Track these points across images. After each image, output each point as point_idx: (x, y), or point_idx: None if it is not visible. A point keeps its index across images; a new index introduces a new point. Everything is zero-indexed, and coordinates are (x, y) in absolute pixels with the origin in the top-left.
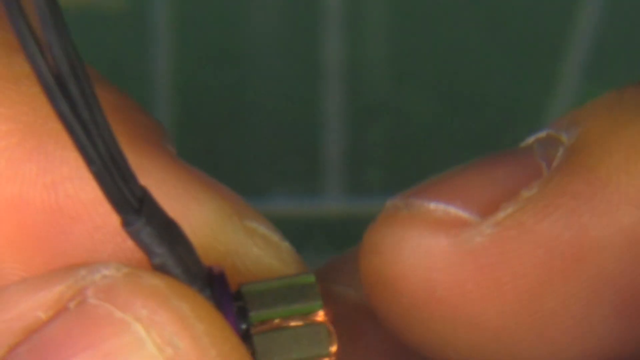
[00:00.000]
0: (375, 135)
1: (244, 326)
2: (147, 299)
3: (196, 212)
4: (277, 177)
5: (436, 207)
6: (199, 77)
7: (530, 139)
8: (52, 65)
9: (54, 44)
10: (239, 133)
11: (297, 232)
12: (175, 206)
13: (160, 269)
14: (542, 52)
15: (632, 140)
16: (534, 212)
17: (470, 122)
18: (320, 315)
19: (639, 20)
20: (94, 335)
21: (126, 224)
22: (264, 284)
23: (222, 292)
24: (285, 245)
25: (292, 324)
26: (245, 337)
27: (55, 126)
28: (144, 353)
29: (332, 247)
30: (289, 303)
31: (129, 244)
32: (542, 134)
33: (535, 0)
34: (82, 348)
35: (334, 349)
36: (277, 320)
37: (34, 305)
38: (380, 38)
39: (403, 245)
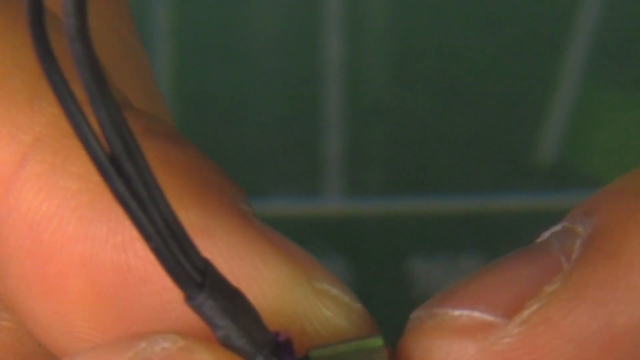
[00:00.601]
0: (375, 135)
1: None
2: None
3: (264, 274)
4: (277, 177)
5: (460, 314)
6: (199, 77)
7: (547, 234)
8: (105, 146)
9: (105, 122)
10: (239, 133)
11: (297, 232)
12: (243, 269)
13: (224, 340)
14: (542, 52)
15: None
16: (559, 307)
17: (470, 122)
18: None
19: (639, 20)
20: None
21: (188, 299)
22: (332, 348)
23: (289, 359)
24: (357, 306)
25: None
26: None
27: None
28: None
29: (332, 247)
30: None
31: None
32: (557, 228)
33: (535, 0)
34: None
35: None
36: None
37: None
38: (380, 38)
39: (432, 356)
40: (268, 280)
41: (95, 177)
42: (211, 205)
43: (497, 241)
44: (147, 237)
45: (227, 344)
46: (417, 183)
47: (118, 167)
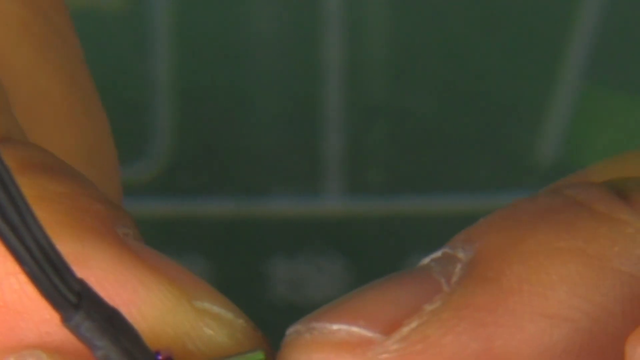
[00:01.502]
0: (375, 135)
1: None
2: None
3: (143, 297)
4: (277, 177)
5: (339, 328)
6: (199, 77)
7: (426, 260)
8: None
9: None
10: (239, 133)
11: (297, 232)
12: (123, 293)
13: None
14: (542, 52)
15: (530, 251)
16: (438, 325)
17: (470, 122)
18: None
19: (639, 20)
20: None
21: (65, 319)
22: None
23: None
24: (240, 322)
25: None
26: None
27: None
28: None
29: (331, 247)
30: None
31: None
32: (437, 254)
33: (535, 0)
34: None
35: None
36: None
37: None
38: (380, 38)
39: None
40: (147, 302)
41: None
42: (86, 234)
43: None
44: (20, 261)
45: None
46: (417, 183)
47: None
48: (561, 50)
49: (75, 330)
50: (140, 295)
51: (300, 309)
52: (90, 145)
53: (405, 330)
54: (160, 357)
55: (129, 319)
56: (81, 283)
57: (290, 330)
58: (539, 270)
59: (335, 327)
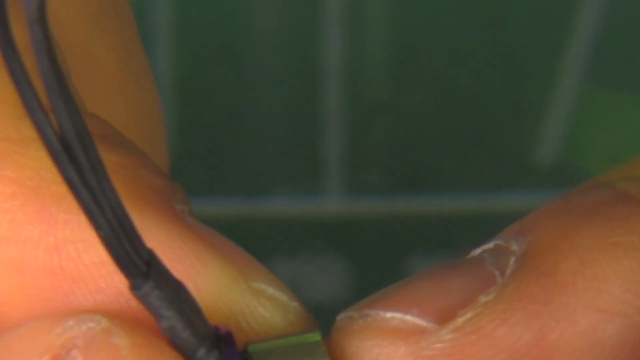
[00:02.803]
0: (375, 135)
1: None
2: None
3: (201, 273)
4: (277, 177)
5: (392, 316)
6: (199, 77)
7: (477, 251)
8: (58, 131)
9: (59, 109)
10: (239, 133)
11: (297, 232)
12: (180, 268)
13: (168, 331)
14: (542, 52)
15: (585, 245)
16: (492, 317)
17: (470, 122)
18: None
19: (639, 20)
20: None
21: (134, 288)
22: (271, 343)
23: (230, 352)
24: (294, 305)
25: None
26: None
27: (58, 190)
28: None
29: (332, 247)
30: None
31: (132, 305)
32: (489, 246)
33: (535, 1)
34: None
35: None
36: None
37: (26, 353)
38: (380, 38)
39: (362, 357)
40: (204, 279)
41: (30, 182)
42: (145, 206)
43: None
44: (96, 225)
45: (171, 335)
46: (417, 183)
47: (70, 154)
48: (561, 50)
49: (143, 298)
50: (197, 271)
51: None
52: (140, 117)
53: (459, 320)
54: (220, 332)
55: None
56: (150, 253)
57: (342, 316)
58: (593, 264)
59: (389, 314)
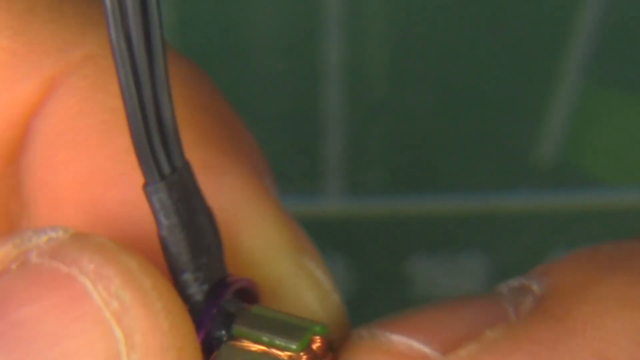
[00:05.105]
0: (375, 135)
1: (223, 332)
2: (94, 254)
3: (259, 225)
4: (277, 177)
5: (399, 339)
6: None
7: (503, 286)
8: (126, 27)
9: (130, 12)
10: None
11: None
12: (242, 211)
13: (162, 241)
14: (542, 52)
15: (602, 295)
16: (494, 352)
17: (470, 122)
18: (287, 356)
19: (639, 20)
20: (39, 290)
21: (146, 184)
22: (273, 312)
23: (218, 295)
24: (334, 297)
25: (256, 349)
26: (218, 343)
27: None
28: (90, 306)
29: (332, 247)
30: (273, 334)
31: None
32: (514, 283)
33: (535, 0)
34: (26, 301)
35: None
36: (252, 344)
37: None
38: (380, 38)
39: None
40: (260, 231)
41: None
42: (232, 153)
43: (497, 241)
44: (127, 110)
45: (164, 247)
46: (417, 183)
47: (130, 48)
48: (561, 50)
49: (148, 195)
50: (255, 222)
51: None
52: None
53: (462, 352)
54: (229, 280)
55: (237, 238)
56: (185, 163)
57: (354, 333)
58: (605, 315)
59: (396, 337)
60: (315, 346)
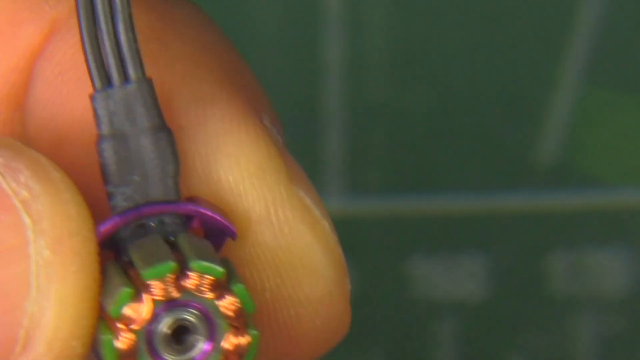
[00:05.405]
0: (375, 135)
1: (126, 245)
2: (4, 150)
3: (247, 146)
4: None
5: None
6: None
7: None
8: None
9: None
10: None
11: None
12: (231, 137)
13: (97, 149)
14: (542, 53)
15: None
16: None
17: (470, 122)
18: (138, 281)
19: (639, 20)
20: None
21: (94, 91)
22: (189, 242)
23: (141, 210)
24: (324, 224)
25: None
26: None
27: None
28: None
29: None
30: (144, 258)
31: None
32: None
33: (535, 0)
34: None
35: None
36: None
37: None
38: (380, 38)
39: None
40: (242, 159)
41: None
42: (228, 86)
43: (497, 241)
44: (81, 21)
45: (98, 156)
46: (417, 183)
47: None
48: (561, 50)
49: (93, 101)
50: (237, 151)
51: None
52: None
53: None
54: (166, 203)
55: (211, 166)
56: (143, 80)
57: None
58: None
59: None
60: (187, 282)
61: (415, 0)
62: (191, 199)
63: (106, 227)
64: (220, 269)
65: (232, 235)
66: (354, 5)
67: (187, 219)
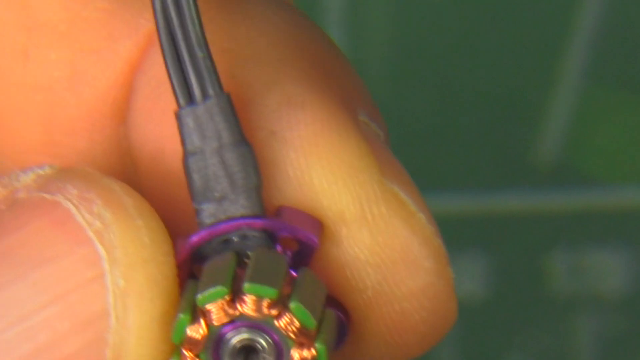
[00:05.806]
0: None
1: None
2: (77, 181)
3: (337, 150)
4: None
5: None
6: None
7: None
8: None
9: None
10: None
11: None
12: (322, 139)
13: (185, 162)
14: (542, 52)
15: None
16: None
17: (470, 122)
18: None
19: (639, 20)
20: (25, 218)
21: (178, 107)
22: (261, 264)
23: (222, 228)
24: (420, 217)
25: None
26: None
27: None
28: (73, 226)
29: None
30: (206, 280)
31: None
32: None
33: (536, 0)
34: (13, 230)
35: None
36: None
37: None
38: (381, 38)
39: None
40: (332, 162)
41: None
42: (320, 87)
43: (497, 241)
44: (163, 42)
45: (187, 170)
46: (417, 183)
47: None
48: (561, 50)
49: (177, 119)
50: (326, 155)
51: None
52: None
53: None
54: (249, 218)
55: (299, 173)
56: (221, 95)
57: None
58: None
59: None
60: (243, 304)
61: (415, 1)
62: (279, 209)
63: (182, 249)
64: (272, 290)
65: (314, 244)
66: (354, 5)
67: (272, 231)
